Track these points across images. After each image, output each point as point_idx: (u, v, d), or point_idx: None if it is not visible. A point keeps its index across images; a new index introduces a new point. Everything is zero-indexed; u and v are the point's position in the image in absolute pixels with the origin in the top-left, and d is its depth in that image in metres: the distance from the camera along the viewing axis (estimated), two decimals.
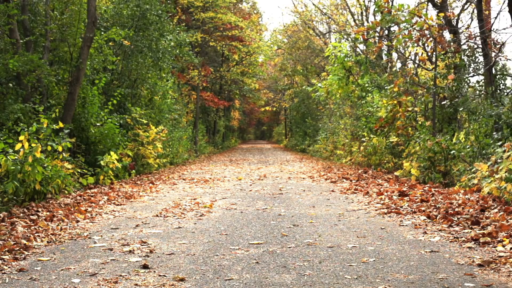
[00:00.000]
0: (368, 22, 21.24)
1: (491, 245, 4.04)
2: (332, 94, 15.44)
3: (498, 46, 10.36)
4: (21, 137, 6.30)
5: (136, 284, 3.17)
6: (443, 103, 10.30)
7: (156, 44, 12.67)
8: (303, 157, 19.97)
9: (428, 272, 3.36)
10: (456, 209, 5.47)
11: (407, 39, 10.32)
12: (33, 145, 6.33)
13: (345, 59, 14.87)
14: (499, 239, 4.15)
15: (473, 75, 10.47)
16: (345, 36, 15.69)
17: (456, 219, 5.05)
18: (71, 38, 9.73)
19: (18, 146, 6.25)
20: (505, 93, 9.37)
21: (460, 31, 11.47)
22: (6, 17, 8.05)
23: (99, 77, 10.21)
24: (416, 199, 6.51)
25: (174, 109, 16.37)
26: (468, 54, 10.50)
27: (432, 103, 10.41)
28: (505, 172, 5.79)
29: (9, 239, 4.30)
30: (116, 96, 10.80)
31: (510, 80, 10.00)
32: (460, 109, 9.55)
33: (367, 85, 13.73)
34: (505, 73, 9.98)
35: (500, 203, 5.49)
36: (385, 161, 11.16)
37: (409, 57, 14.65)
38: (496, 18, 10.88)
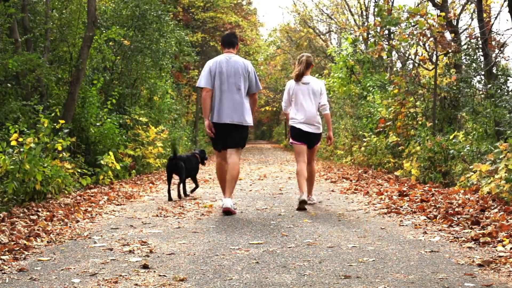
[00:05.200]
0: (368, 22, 21.25)
1: (491, 245, 4.04)
2: (333, 93, 15.38)
3: (499, 46, 10.36)
4: (14, 136, 6.32)
5: (136, 284, 3.17)
6: (443, 105, 10.29)
7: (156, 44, 12.67)
8: None
9: (428, 272, 3.36)
10: (456, 209, 5.47)
11: (407, 39, 10.31)
12: (28, 140, 6.33)
13: (348, 58, 14.83)
14: (499, 239, 4.15)
15: (474, 76, 10.47)
16: (346, 37, 15.68)
17: (456, 219, 5.05)
18: (70, 38, 9.73)
19: (13, 142, 6.28)
20: (505, 94, 9.37)
21: (461, 31, 11.47)
22: (6, 17, 8.05)
23: (96, 77, 10.20)
24: (416, 199, 6.50)
25: (174, 109, 16.37)
26: (469, 54, 10.49)
27: (432, 103, 10.40)
28: (504, 172, 5.79)
29: (9, 239, 4.31)
30: (115, 95, 10.79)
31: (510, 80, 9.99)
32: (462, 109, 9.54)
33: (368, 84, 13.71)
34: (506, 73, 9.97)
35: (500, 203, 5.49)
36: (385, 161, 11.16)
37: (410, 57, 14.65)
38: (496, 18, 10.88)
